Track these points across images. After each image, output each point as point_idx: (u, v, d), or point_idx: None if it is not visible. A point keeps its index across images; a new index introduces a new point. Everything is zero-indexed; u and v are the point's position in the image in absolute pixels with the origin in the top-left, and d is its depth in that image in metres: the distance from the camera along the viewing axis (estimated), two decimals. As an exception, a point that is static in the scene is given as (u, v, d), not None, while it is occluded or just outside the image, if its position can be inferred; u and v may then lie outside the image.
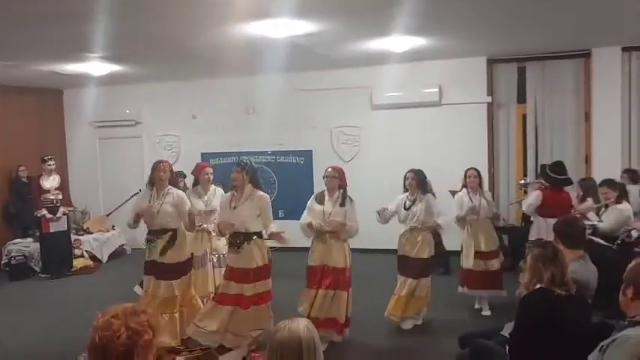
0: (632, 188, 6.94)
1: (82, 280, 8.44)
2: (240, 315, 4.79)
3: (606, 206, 6.15)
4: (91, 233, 9.58)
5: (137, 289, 6.43)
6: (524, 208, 6.54)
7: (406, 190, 5.68)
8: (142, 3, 4.92)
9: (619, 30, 7.08)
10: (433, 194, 5.82)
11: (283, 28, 5.68)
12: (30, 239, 8.98)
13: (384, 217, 5.64)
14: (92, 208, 10.24)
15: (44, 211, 8.41)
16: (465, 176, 6.20)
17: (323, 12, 5.38)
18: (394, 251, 5.80)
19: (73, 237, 9.06)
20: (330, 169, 5.32)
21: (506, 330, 3.79)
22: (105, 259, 9.46)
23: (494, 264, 6.03)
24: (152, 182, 5.16)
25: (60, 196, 8.56)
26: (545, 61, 8.52)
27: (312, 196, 5.39)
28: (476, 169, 6.25)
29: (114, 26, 5.59)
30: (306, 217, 5.21)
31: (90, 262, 9.11)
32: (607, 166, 7.76)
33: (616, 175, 7.01)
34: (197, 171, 5.93)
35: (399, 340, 5.44)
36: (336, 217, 5.10)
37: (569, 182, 6.33)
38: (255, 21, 5.56)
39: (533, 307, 3.05)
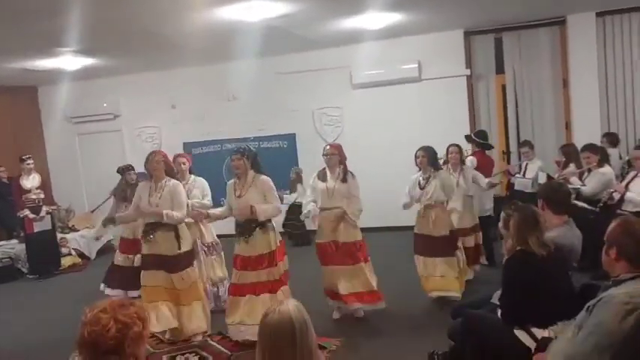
0: (612, 151, 7.05)
1: (72, 278, 8.36)
2: (257, 303, 4.66)
3: (589, 170, 6.23)
4: (77, 231, 9.50)
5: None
6: None
7: (419, 170, 5.59)
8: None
9: (592, -5, 7.12)
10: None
11: (257, 10, 5.62)
12: (15, 241, 8.86)
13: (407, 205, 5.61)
14: (76, 205, 10.13)
15: (27, 212, 8.26)
16: (447, 152, 6.25)
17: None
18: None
19: (59, 235, 8.96)
20: (328, 147, 5.33)
21: (496, 297, 3.83)
22: (93, 255, 9.38)
23: (468, 241, 6.11)
24: (149, 174, 5.01)
25: (42, 195, 8.42)
26: (521, 30, 8.54)
27: (314, 175, 5.37)
28: (457, 145, 6.29)
29: (83, 18, 5.50)
30: (309, 197, 5.30)
31: (78, 260, 9.03)
32: (587, 130, 7.86)
33: (596, 140, 7.10)
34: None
35: (396, 313, 5.46)
36: (340, 192, 5.14)
37: (491, 147, 7.53)
38: (227, 5, 5.49)
39: (519, 270, 3.11)
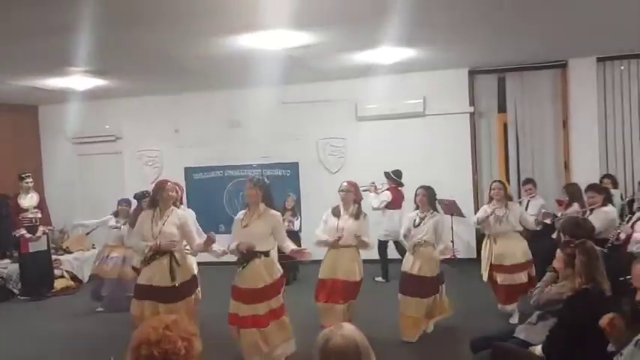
0: (614, 192, 7.18)
1: (64, 301, 8.16)
2: (266, 332, 4.69)
3: (591, 210, 6.32)
4: (71, 253, 9.31)
5: None
6: (375, 205, 7.86)
7: (417, 207, 5.60)
8: (133, 15, 4.87)
9: (594, 41, 7.38)
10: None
11: (281, 39, 5.71)
12: (7, 260, 8.64)
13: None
14: (70, 226, 9.94)
15: (23, 231, 8.10)
16: (490, 189, 6.27)
17: (320, 23, 5.44)
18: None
19: (53, 257, 8.76)
20: (345, 184, 5.39)
21: (521, 333, 3.84)
22: (86, 278, 9.17)
23: (518, 277, 5.93)
24: (155, 204, 4.96)
25: (39, 215, 8.27)
26: (524, 71, 8.80)
27: (329, 210, 5.43)
28: (500, 182, 6.34)
29: (101, 39, 5.51)
30: (321, 231, 5.33)
31: (71, 283, 8.83)
32: (586, 171, 8.04)
33: (594, 180, 7.23)
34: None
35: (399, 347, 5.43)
36: (352, 230, 5.18)
37: (403, 185, 8.12)
38: (250, 33, 5.57)
39: (582, 309, 3.09)
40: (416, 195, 5.59)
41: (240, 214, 4.90)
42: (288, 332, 4.86)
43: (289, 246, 4.84)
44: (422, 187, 5.61)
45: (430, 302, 5.47)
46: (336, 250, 5.26)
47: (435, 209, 5.60)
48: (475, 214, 8.78)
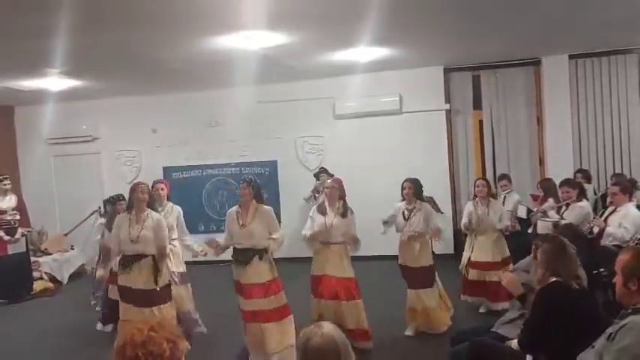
0: (587, 187, 7.36)
1: (44, 303, 8.09)
2: (265, 330, 4.71)
3: (567, 205, 6.48)
4: (50, 254, 9.22)
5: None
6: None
7: (403, 199, 5.65)
8: (109, 17, 4.87)
9: (566, 39, 7.55)
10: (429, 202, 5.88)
11: (256, 39, 5.74)
12: (-15, 264, 8.52)
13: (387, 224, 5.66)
14: (49, 227, 9.86)
15: (1, 233, 8.02)
16: (475, 186, 6.39)
17: (296, 23, 5.48)
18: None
19: (32, 259, 8.67)
20: (329, 181, 5.44)
21: (498, 327, 3.94)
22: (65, 280, 9.12)
23: (494, 275, 5.98)
24: (131, 206, 4.97)
25: (17, 217, 8.20)
26: (498, 69, 8.94)
27: (314, 207, 5.44)
28: (484, 179, 6.46)
29: (78, 40, 5.47)
30: (310, 228, 5.26)
31: (50, 284, 8.75)
32: (560, 166, 8.20)
33: (569, 175, 7.41)
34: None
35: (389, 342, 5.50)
36: (339, 228, 5.15)
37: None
38: (228, 33, 5.60)
39: (553, 300, 3.15)
40: (402, 188, 5.63)
41: (234, 211, 4.90)
42: (292, 338, 4.79)
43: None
44: (407, 180, 5.65)
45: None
46: (325, 247, 5.23)
47: (422, 199, 5.64)
48: (452, 210, 9.05)
